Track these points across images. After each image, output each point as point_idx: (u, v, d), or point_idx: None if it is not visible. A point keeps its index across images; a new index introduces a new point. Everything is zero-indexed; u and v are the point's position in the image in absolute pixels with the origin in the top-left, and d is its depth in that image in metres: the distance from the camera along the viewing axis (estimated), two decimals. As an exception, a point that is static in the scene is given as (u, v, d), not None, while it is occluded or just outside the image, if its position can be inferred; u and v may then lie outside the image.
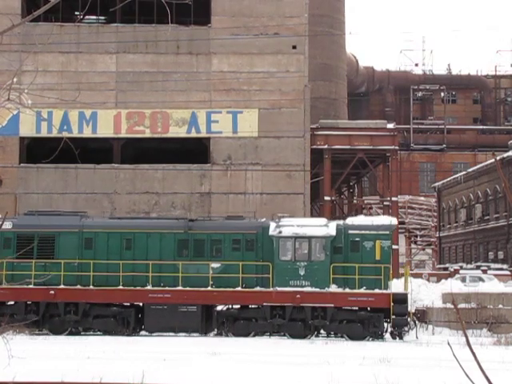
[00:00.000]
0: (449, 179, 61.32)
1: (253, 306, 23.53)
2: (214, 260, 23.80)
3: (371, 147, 40.77)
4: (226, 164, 38.16)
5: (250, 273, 23.48)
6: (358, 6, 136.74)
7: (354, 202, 50.09)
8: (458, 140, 76.14)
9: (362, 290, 22.90)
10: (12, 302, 24.27)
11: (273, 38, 38.33)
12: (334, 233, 23.23)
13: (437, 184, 64.39)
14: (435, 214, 65.23)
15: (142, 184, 37.86)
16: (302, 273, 23.14)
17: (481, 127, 79.37)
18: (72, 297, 23.73)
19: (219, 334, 23.38)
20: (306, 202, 38.20)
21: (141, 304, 23.90)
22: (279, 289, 23.03)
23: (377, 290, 22.87)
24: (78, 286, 23.82)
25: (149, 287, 23.52)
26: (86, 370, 13.51)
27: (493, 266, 46.02)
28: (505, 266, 45.85)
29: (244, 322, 23.22)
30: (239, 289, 23.28)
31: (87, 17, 42.13)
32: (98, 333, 23.71)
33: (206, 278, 23.48)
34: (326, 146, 40.51)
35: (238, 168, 38.03)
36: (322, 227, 23.55)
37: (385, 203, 43.14)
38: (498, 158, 48.13)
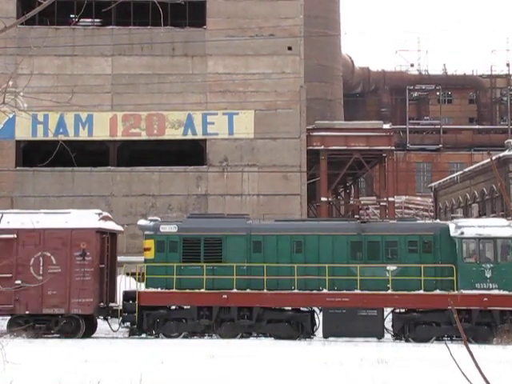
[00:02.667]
0: (445, 179, 61.35)
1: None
2: (389, 262, 23.15)
3: (367, 148, 40.79)
4: (223, 166, 38.16)
5: (429, 275, 22.84)
6: (353, 6, 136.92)
7: (351, 202, 50.11)
8: (454, 140, 76.19)
9: None
10: (173, 307, 23.64)
11: (268, 40, 38.35)
12: None
13: (433, 184, 64.43)
14: (432, 213, 65.28)
15: (138, 186, 37.85)
16: (488, 275, 22.44)
17: (477, 127, 79.42)
18: (246, 301, 23.09)
19: (398, 339, 22.74)
20: (303, 203, 38.22)
21: (311, 308, 23.35)
22: (464, 292, 22.38)
23: None
24: (248, 290, 23.21)
25: (325, 291, 22.91)
26: (84, 373, 13.49)
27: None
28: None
29: (425, 326, 22.59)
30: (422, 292, 22.66)
31: (82, 20, 42.08)
32: (270, 338, 23.00)
33: (383, 281, 22.87)
34: (322, 147, 40.51)
35: (234, 169, 38.04)
36: (506, 228, 22.99)
37: (381, 204, 43.18)
38: (493, 157, 48.18)
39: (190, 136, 38.38)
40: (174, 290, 23.11)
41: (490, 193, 51.46)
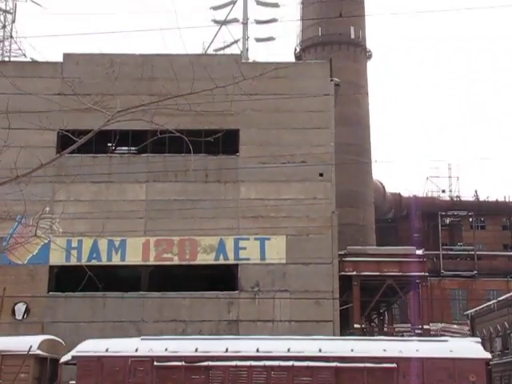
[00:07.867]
0: (482, 307, 59.90)
1: None
2: None
3: (400, 273, 40.30)
4: (254, 291, 37.83)
5: None
6: (384, 134, 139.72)
7: (385, 329, 48.98)
8: (489, 266, 75.19)
9: None
10: None
11: (300, 166, 38.94)
12: None
13: (470, 311, 62.89)
14: (469, 342, 63.27)
15: (169, 312, 37.51)
16: None
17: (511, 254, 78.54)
18: None
19: None
20: (336, 330, 37.39)
21: None
22: None
23: None
24: None
25: None
26: None
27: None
28: (546, 398, 43.81)
29: None
30: None
31: (119, 148, 43.39)
32: None
33: None
34: (354, 273, 40.16)
35: (266, 295, 37.64)
36: None
37: (416, 331, 42.09)
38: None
39: (221, 261, 38.36)
40: None
41: (529, 321, 49.96)
